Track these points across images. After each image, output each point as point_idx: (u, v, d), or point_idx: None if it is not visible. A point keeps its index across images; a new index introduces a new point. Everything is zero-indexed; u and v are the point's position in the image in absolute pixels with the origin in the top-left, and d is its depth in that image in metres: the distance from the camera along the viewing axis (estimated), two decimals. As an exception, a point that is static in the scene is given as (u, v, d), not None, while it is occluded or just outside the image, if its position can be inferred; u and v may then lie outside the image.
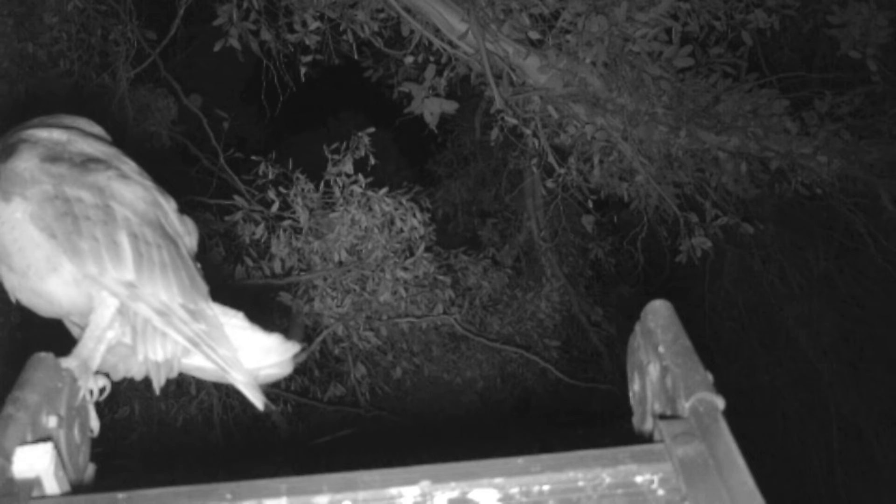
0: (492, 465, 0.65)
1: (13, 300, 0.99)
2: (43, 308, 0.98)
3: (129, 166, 1.04)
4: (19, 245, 0.93)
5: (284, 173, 4.86)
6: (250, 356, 0.95)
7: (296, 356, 0.99)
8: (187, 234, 1.05)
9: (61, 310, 0.97)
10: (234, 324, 0.97)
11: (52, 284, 0.94)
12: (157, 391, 0.95)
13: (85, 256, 0.92)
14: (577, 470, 0.64)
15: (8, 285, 0.98)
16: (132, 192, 0.99)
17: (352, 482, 0.65)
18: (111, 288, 0.93)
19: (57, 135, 1.02)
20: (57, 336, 1.00)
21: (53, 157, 0.98)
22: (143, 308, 0.92)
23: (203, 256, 1.05)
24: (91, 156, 1.01)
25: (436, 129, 4.89)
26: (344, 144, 4.84)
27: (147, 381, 0.97)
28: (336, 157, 4.83)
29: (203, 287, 0.99)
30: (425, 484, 0.64)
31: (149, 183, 1.03)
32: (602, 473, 0.64)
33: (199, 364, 0.96)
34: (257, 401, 0.92)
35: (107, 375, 0.95)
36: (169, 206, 1.04)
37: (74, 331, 1.00)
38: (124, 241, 0.94)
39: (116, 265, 0.92)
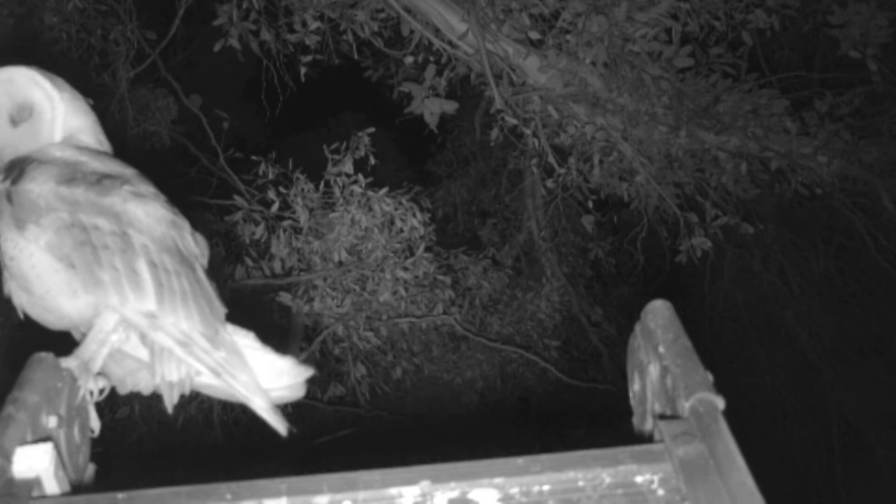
0: (492, 465, 0.65)
1: (20, 315, 0.98)
2: (52, 322, 0.97)
3: (145, 187, 1.02)
4: (38, 272, 0.93)
5: (284, 173, 4.86)
6: (262, 378, 0.94)
7: (308, 379, 0.98)
8: (202, 255, 1.04)
9: (70, 323, 0.97)
10: (245, 344, 0.96)
11: (64, 302, 0.93)
12: (170, 410, 0.95)
13: (106, 287, 0.91)
14: (577, 470, 0.64)
15: (17, 301, 0.97)
16: (148, 213, 0.98)
17: (352, 482, 0.64)
18: (131, 318, 0.92)
19: (70, 154, 1.00)
20: (57, 336, 1.00)
21: (68, 178, 0.95)
22: (163, 338, 0.92)
23: (216, 275, 1.05)
24: (105, 174, 0.99)
25: (436, 129, 4.89)
26: (344, 144, 4.84)
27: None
28: (336, 157, 4.83)
29: (220, 311, 0.98)
30: (425, 484, 0.64)
31: (163, 202, 1.02)
32: (602, 473, 0.64)
33: (210, 382, 0.95)
34: (280, 426, 0.92)
35: (113, 388, 0.95)
36: (184, 226, 1.03)
37: (79, 338, 0.99)
38: (144, 270, 0.93)
39: (138, 295, 0.91)
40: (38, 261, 0.92)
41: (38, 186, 0.94)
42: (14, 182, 0.95)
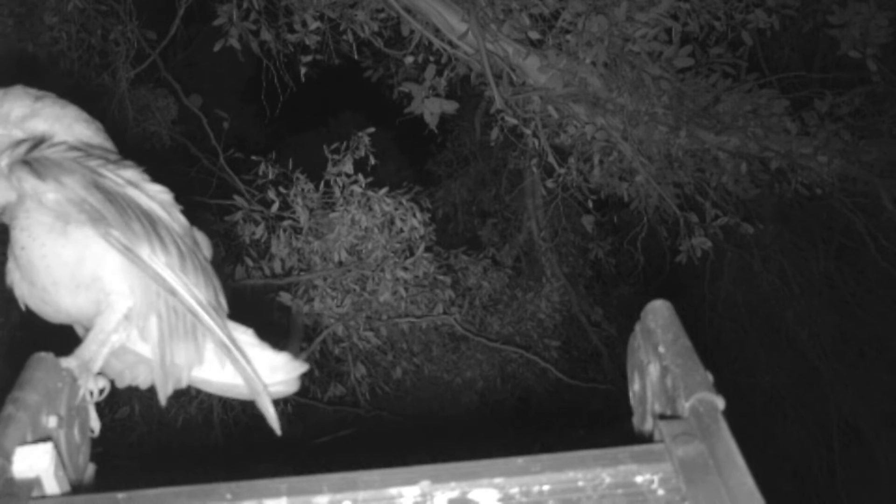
0: (492, 465, 0.65)
1: (22, 307, 0.99)
2: (50, 315, 0.98)
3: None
4: (47, 262, 0.92)
5: (284, 173, 4.86)
6: (260, 373, 0.95)
7: (301, 375, 0.99)
8: (207, 255, 1.06)
9: (69, 318, 0.97)
10: (243, 340, 0.97)
11: (65, 297, 0.94)
12: (164, 402, 0.95)
13: (140, 238, 0.91)
14: (577, 470, 0.64)
15: (18, 292, 0.97)
16: (160, 199, 0.99)
17: (352, 482, 0.65)
18: (157, 273, 0.92)
19: (76, 153, 1.00)
20: (57, 336, 1.00)
21: (85, 156, 0.97)
22: (187, 298, 0.92)
23: (219, 272, 1.05)
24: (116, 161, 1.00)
25: (436, 129, 4.89)
26: (344, 144, 4.84)
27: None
28: (336, 157, 4.83)
29: (225, 307, 0.99)
30: (425, 484, 0.64)
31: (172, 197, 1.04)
32: (602, 473, 0.64)
33: (205, 377, 0.96)
34: (275, 424, 0.93)
35: (112, 382, 0.95)
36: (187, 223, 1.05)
37: (82, 334, 1.00)
38: (167, 236, 0.94)
39: (165, 254, 0.92)
40: (50, 251, 0.92)
41: (57, 155, 0.94)
42: (29, 150, 0.95)
